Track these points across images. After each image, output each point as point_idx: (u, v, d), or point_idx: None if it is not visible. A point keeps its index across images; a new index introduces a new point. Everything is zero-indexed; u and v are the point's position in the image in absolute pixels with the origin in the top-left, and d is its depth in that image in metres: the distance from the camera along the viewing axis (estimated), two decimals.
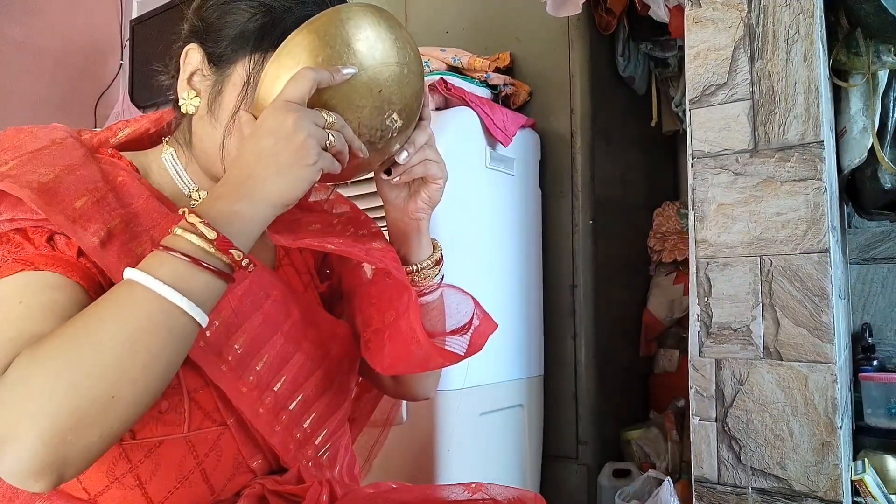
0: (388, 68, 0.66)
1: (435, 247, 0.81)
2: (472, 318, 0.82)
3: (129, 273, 0.53)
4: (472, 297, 0.84)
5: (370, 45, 0.64)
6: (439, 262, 0.80)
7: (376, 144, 0.68)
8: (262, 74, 0.63)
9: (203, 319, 0.55)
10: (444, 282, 0.82)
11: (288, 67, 0.62)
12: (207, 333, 0.64)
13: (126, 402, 0.51)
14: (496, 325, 0.83)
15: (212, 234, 0.54)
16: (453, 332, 0.80)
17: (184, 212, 0.56)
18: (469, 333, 0.81)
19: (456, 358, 0.77)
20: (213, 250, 0.54)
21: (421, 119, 0.73)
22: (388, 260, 0.72)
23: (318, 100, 0.62)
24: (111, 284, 0.60)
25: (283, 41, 0.65)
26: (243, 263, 0.57)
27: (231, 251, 0.55)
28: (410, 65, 0.68)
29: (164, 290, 0.52)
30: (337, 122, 0.61)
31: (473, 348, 0.80)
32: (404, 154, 0.71)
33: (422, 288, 0.78)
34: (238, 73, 0.66)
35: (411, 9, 2.05)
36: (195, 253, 0.54)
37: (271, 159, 0.57)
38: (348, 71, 0.62)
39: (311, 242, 0.72)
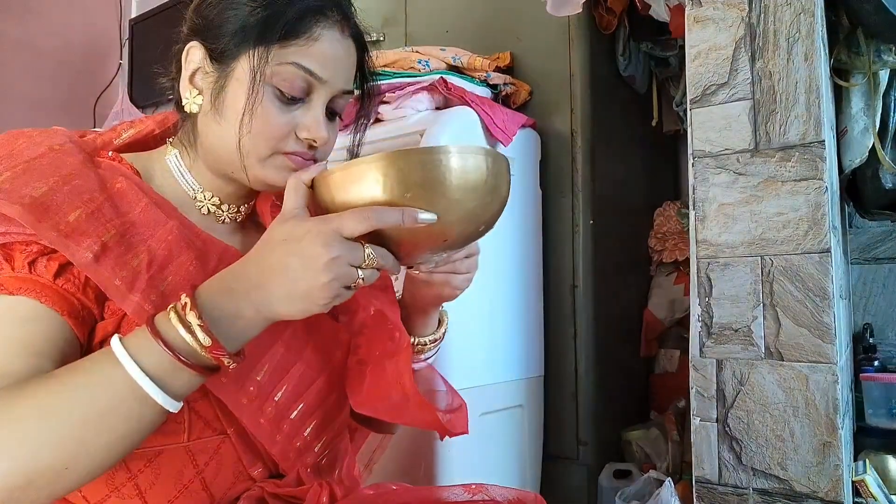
0: (465, 226, 0.60)
1: (441, 322, 0.79)
2: (458, 408, 0.81)
3: (116, 348, 0.52)
4: (462, 400, 0.83)
5: (460, 198, 0.57)
6: (437, 341, 0.78)
7: (412, 268, 0.66)
8: (337, 168, 0.58)
9: (175, 409, 0.54)
10: (438, 372, 0.82)
11: (366, 182, 0.56)
12: None
13: (79, 474, 0.51)
14: (467, 432, 0.81)
15: (207, 341, 0.53)
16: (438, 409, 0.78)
17: (186, 304, 0.54)
18: (451, 415, 0.79)
19: (433, 420, 0.74)
20: (203, 354, 0.53)
21: None
22: (385, 300, 0.71)
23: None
24: (98, 295, 0.60)
25: (286, 35, 0.63)
26: (231, 367, 0.56)
27: (222, 357, 0.54)
28: (489, 221, 0.63)
29: (144, 381, 0.52)
30: (377, 260, 0.57)
31: (452, 426, 0.77)
32: (431, 265, 0.67)
33: (413, 357, 0.76)
34: (241, 67, 0.65)
35: (411, 9, 2.04)
36: (184, 352, 0.53)
37: (288, 282, 0.54)
38: (424, 218, 0.56)
39: None
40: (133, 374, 0.51)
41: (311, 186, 0.61)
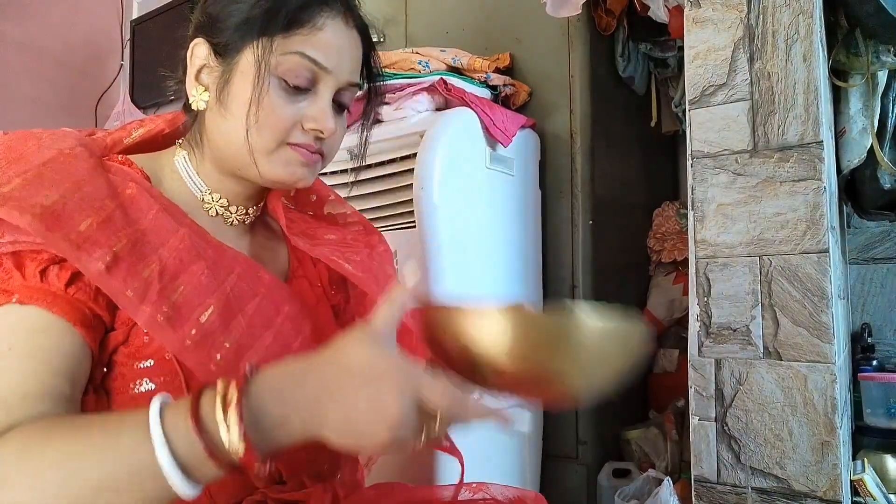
0: (582, 390, 0.59)
1: None
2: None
3: (154, 424, 0.48)
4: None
5: (591, 368, 0.56)
6: None
7: None
8: (473, 314, 0.55)
9: (189, 497, 0.49)
10: None
11: (492, 336, 0.53)
12: (218, 357, 0.61)
13: None
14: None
15: (241, 450, 0.48)
16: None
17: (232, 400, 0.49)
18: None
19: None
20: (236, 459, 0.49)
21: None
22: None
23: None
24: (109, 304, 0.59)
25: (289, 25, 0.63)
26: (260, 473, 0.51)
27: (252, 464, 0.49)
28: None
29: (172, 471, 0.47)
30: (437, 431, 0.52)
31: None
32: None
33: None
34: (246, 60, 0.65)
35: (411, 9, 2.05)
36: (219, 452, 0.48)
37: (346, 415, 0.50)
38: (521, 430, 0.57)
39: (330, 256, 0.70)
40: (162, 462, 0.47)
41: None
